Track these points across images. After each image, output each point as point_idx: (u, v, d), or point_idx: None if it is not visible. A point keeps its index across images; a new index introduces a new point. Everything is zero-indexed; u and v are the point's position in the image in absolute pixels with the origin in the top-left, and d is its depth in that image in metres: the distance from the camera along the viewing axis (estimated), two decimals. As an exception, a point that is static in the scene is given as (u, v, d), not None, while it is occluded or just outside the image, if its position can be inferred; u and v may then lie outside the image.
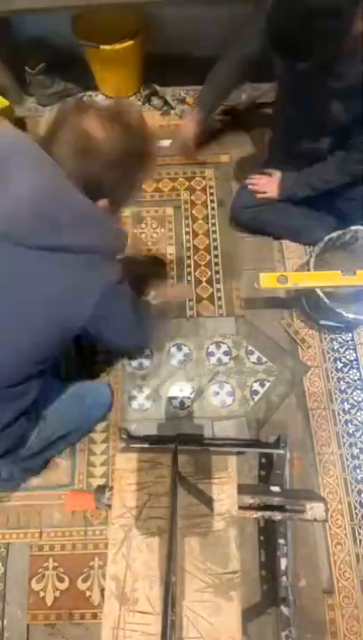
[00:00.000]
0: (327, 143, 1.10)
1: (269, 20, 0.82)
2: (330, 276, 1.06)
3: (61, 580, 1.07)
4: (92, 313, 0.67)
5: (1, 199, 0.59)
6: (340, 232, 1.16)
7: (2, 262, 0.63)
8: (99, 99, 1.72)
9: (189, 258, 1.43)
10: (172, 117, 1.67)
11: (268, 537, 1.08)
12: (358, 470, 1.18)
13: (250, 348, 1.30)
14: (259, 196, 1.29)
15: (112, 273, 0.70)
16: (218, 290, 1.39)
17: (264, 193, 1.28)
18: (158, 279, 1.40)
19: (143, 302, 1.20)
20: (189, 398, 1.24)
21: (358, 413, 1.24)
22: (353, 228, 1.17)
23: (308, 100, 1.01)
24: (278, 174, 1.27)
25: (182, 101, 1.68)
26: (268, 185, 1.27)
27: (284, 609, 0.89)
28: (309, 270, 1.15)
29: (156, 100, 1.70)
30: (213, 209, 1.50)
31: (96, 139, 0.61)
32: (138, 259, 1.42)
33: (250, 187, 1.31)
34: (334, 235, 1.16)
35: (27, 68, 1.54)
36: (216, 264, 1.42)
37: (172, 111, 1.67)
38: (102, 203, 0.68)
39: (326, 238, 1.16)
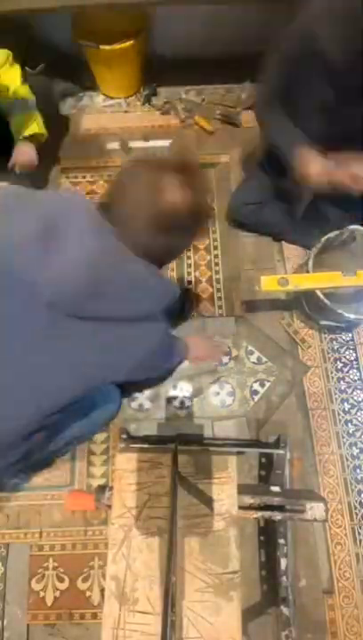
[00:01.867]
0: None
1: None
2: (331, 276, 1.06)
3: (61, 580, 1.07)
4: (131, 367, 0.65)
5: (54, 266, 0.54)
6: (337, 232, 1.16)
7: (47, 330, 0.58)
8: (99, 99, 1.72)
9: (189, 258, 1.43)
10: (172, 117, 1.67)
11: (268, 537, 1.08)
12: (358, 470, 1.18)
13: (250, 347, 1.30)
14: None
15: (159, 330, 0.67)
16: (218, 290, 1.39)
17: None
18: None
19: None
20: (189, 398, 1.24)
21: (359, 413, 1.24)
22: (350, 227, 1.17)
23: None
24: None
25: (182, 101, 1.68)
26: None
27: (284, 609, 0.89)
28: (307, 270, 1.15)
29: (156, 100, 1.70)
30: (213, 209, 1.50)
31: (180, 212, 0.56)
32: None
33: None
34: (331, 235, 1.16)
35: (27, 68, 1.54)
36: (216, 264, 1.42)
37: (172, 111, 1.67)
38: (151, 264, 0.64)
39: (324, 239, 1.16)
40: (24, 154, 1.22)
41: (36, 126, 1.24)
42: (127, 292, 0.59)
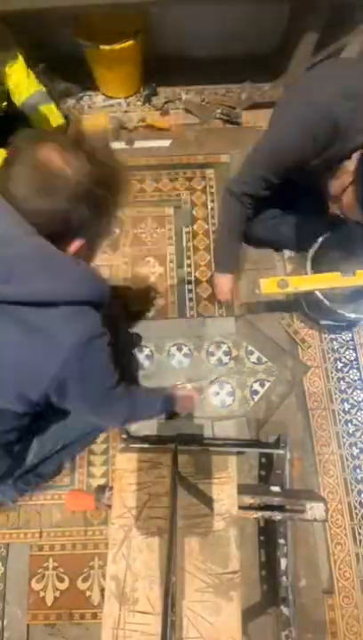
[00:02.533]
0: None
1: None
2: (330, 277, 1.05)
3: (61, 580, 1.07)
4: (56, 372, 0.58)
5: None
6: (335, 232, 1.16)
7: None
8: (99, 99, 1.72)
9: (189, 258, 1.43)
10: (171, 117, 1.67)
11: (268, 537, 1.08)
12: (358, 470, 1.18)
13: (250, 347, 1.30)
14: None
15: (87, 326, 0.60)
16: (218, 290, 1.39)
17: None
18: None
19: (125, 371, 1.03)
20: (189, 398, 1.24)
21: (359, 413, 1.24)
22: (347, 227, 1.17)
23: None
24: None
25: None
26: None
27: (284, 609, 0.89)
28: (306, 270, 1.15)
29: (156, 100, 1.70)
30: (212, 209, 1.50)
31: (57, 171, 0.55)
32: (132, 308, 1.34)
33: None
34: (328, 235, 1.16)
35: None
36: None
37: (172, 111, 1.67)
38: (76, 244, 0.61)
39: (320, 239, 1.16)
40: None
41: (58, 116, 1.27)
42: (37, 265, 0.56)
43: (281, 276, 1.08)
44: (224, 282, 1.26)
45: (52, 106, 1.36)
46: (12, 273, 0.54)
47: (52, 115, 1.36)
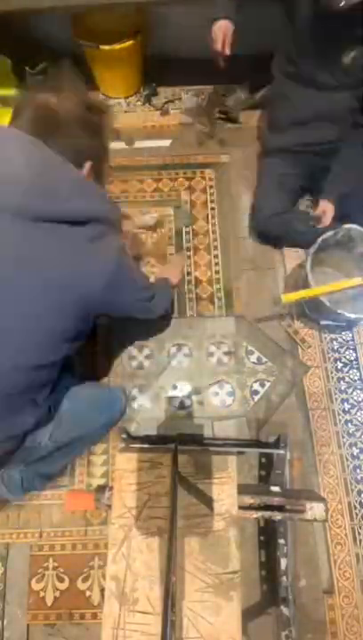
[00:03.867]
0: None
1: None
2: (335, 286, 1.10)
3: (61, 580, 1.08)
4: (107, 280, 0.67)
5: None
6: (333, 232, 1.17)
7: (7, 236, 0.61)
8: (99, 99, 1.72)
9: (189, 258, 1.43)
10: (171, 117, 1.67)
11: (268, 537, 1.08)
12: (358, 470, 1.18)
13: (250, 348, 1.30)
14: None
15: (118, 240, 0.71)
16: (218, 290, 1.39)
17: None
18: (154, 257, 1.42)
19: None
20: (189, 398, 1.24)
21: (359, 413, 1.24)
22: (346, 226, 1.17)
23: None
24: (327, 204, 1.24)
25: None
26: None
27: (284, 609, 0.89)
28: (306, 271, 1.15)
29: (156, 100, 1.70)
30: (213, 209, 1.50)
31: (52, 106, 0.66)
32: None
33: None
34: (327, 235, 1.16)
35: (27, 68, 1.54)
36: (216, 264, 1.42)
37: (172, 111, 1.67)
38: (86, 169, 0.72)
39: (320, 239, 1.16)
40: None
41: None
42: (73, 188, 0.65)
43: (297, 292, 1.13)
44: (218, 28, 1.17)
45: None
46: (57, 193, 0.62)
47: None
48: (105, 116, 0.76)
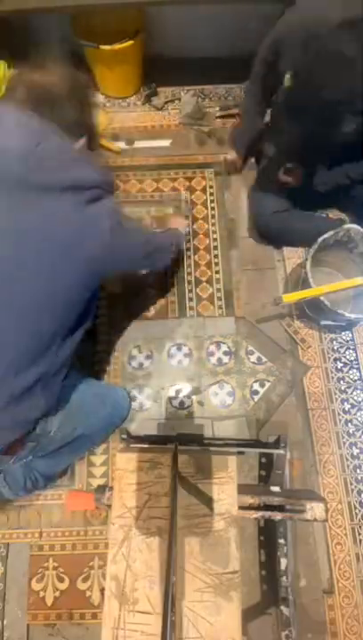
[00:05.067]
0: None
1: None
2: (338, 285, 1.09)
3: (61, 580, 1.07)
4: (110, 238, 0.72)
5: None
6: (333, 231, 1.17)
7: (14, 206, 0.65)
8: (99, 99, 1.72)
9: (189, 257, 1.43)
10: (171, 117, 1.67)
11: (268, 537, 1.08)
12: (358, 470, 1.18)
13: (250, 348, 1.30)
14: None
15: (113, 201, 0.76)
16: (218, 290, 1.39)
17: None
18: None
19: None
20: (189, 398, 1.24)
21: (359, 413, 1.24)
22: (345, 226, 1.17)
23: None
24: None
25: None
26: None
27: (284, 609, 0.89)
28: (306, 271, 1.15)
29: (156, 100, 1.70)
30: (213, 209, 1.50)
31: (44, 82, 0.71)
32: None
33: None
34: (327, 234, 1.16)
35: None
36: (216, 264, 1.42)
37: (172, 111, 1.67)
38: (81, 142, 0.77)
39: (320, 239, 1.16)
40: None
41: None
42: (71, 159, 0.69)
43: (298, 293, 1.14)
44: (232, 156, 1.45)
45: None
46: (56, 163, 0.66)
47: None
48: (91, 90, 0.81)
